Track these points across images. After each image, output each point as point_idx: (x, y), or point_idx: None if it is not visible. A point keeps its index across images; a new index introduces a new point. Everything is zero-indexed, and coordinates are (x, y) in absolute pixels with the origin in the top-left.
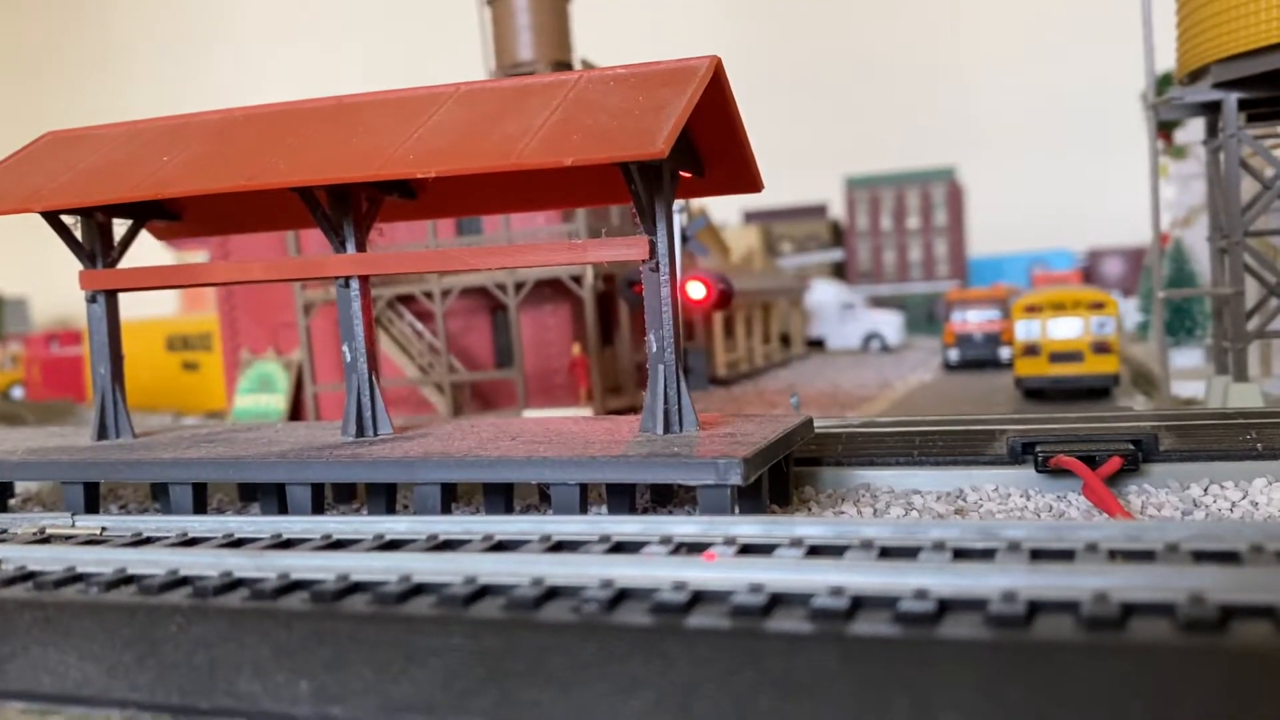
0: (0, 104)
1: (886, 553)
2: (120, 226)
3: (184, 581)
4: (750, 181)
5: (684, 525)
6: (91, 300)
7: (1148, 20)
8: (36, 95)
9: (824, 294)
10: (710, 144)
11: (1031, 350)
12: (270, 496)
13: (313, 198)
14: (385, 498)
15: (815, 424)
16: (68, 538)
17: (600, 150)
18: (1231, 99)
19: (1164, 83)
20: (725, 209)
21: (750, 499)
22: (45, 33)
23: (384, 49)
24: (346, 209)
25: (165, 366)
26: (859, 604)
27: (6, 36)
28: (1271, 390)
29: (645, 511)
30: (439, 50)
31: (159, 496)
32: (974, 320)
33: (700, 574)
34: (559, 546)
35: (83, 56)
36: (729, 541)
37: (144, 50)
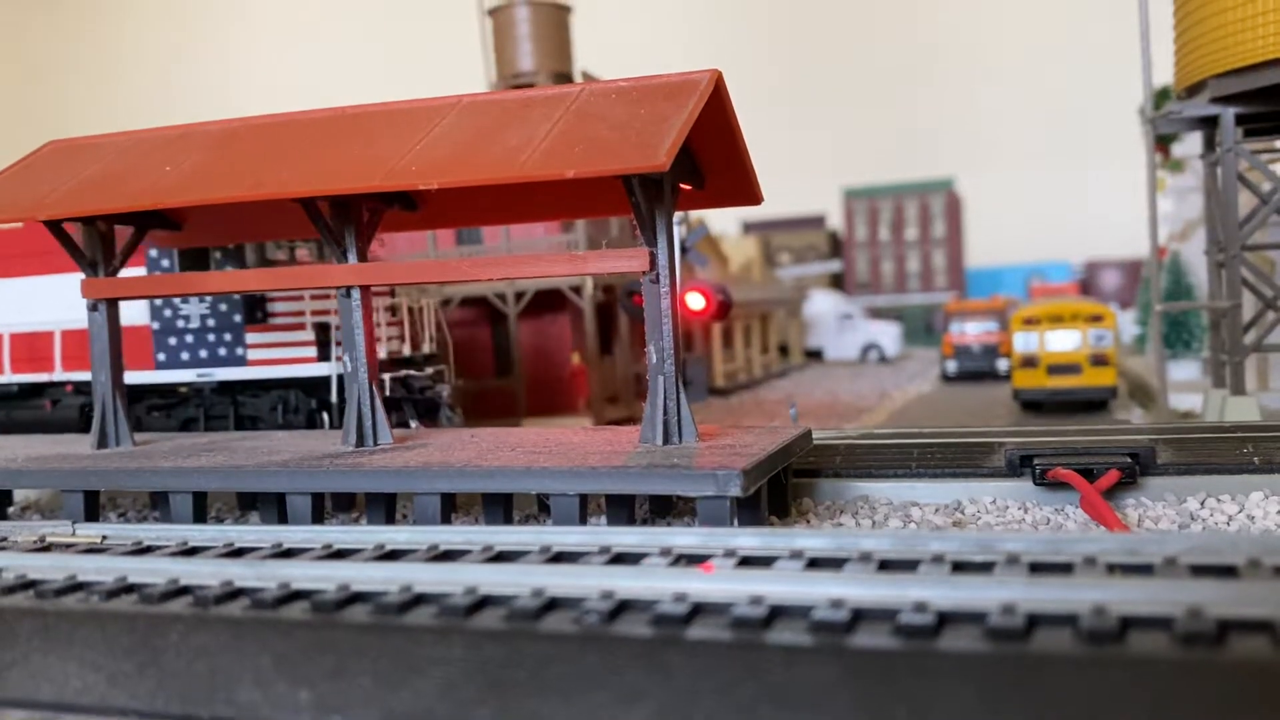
0: (3, 108)
1: (886, 565)
2: (123, 235)
3: (185, 590)
4: (750, 194)
5: (684, 537)
6: (93, 308)
7: (1145, 35)
8: (40, 101)
9: (822, 304)
10: (711, 156)
11: (1029, 362)
12: (270, 505)
13: (315, 208)
14: (385, 507)
15: (814, 435)
16: (68, 546)
17: (602, 163)
18: (1229, 113)
19: (1162, 96)
20: (724, 219)
21: (749, 510)
22: (49, 38)
23: (385, 59)
24: (348, 219)
25: None
26: (859, 616)
27: (10, 41)
28: (1268, 404)
29: (645, 522)
30: (441, 60)
31: (158, 505)
32: (972, 332)
33: (701, 585)
34: (559, 557)
35: (86, 62)
36: (729, 553)
37: (147, 59)
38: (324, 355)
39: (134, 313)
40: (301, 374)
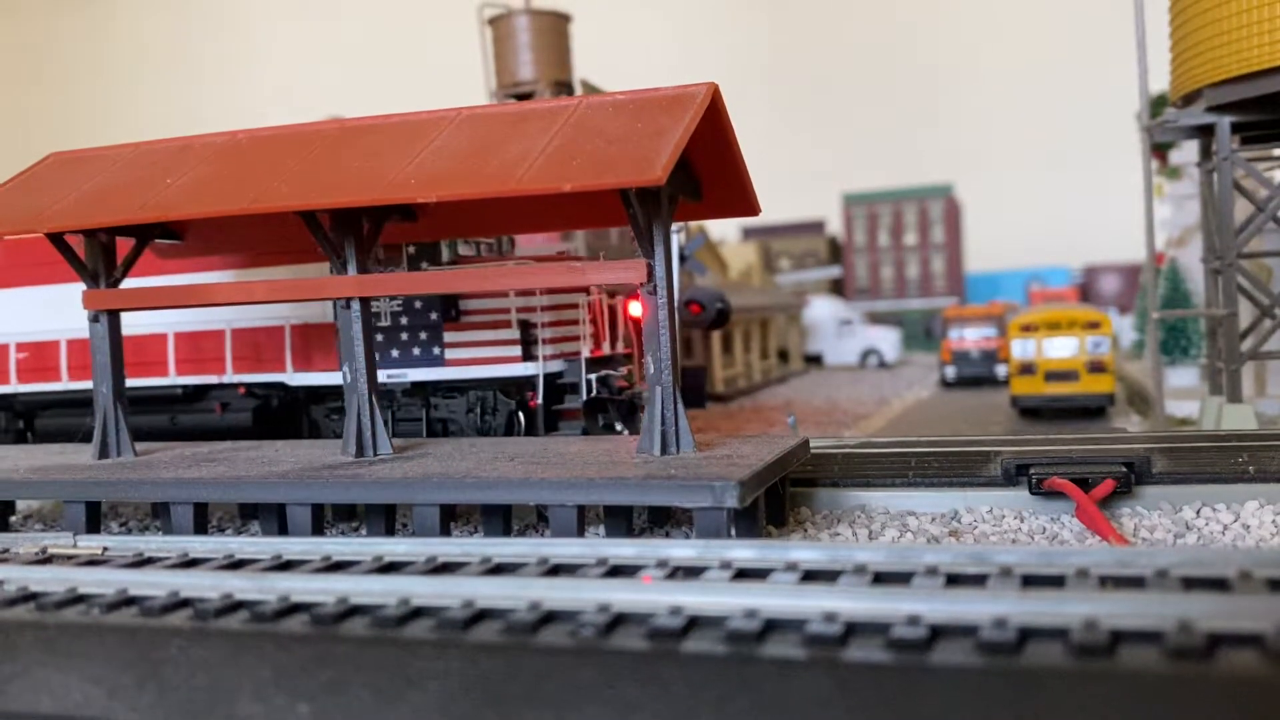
0: (8, 116)
1: (880, 577)
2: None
3: (185, 603)
4: (747, 205)
5: (680, 549)
6: (94, 320)
7: (1142, 43)
8: (39, 109)
9: (822, 310)
10: (708, 168)
11: (1027, 369)
12: (270, 515)
13: (315, 220)
14: (384, 518)
15: (812, 444)
16: (69, 557)
17: (599, 176)
18: (1224, 122)
19: (1159, 104)
20: (724, 225)
21: (747, 520)
22: (49, 45)
23: (386, 69)
24: (348, 231)
25: None
26: (852, 630)
27: (13, 47)
28: (1265, 411)
29: (643, 532)
30: (441, 70)
31: (160, 515)
32: (971, 337)
33: (696, 599)
34: (556, 570)
35: (85, 72)
36: (725, 565)
37: (147, 67)
38: (527, 355)
39: (315, 310)
40: (505, 374)
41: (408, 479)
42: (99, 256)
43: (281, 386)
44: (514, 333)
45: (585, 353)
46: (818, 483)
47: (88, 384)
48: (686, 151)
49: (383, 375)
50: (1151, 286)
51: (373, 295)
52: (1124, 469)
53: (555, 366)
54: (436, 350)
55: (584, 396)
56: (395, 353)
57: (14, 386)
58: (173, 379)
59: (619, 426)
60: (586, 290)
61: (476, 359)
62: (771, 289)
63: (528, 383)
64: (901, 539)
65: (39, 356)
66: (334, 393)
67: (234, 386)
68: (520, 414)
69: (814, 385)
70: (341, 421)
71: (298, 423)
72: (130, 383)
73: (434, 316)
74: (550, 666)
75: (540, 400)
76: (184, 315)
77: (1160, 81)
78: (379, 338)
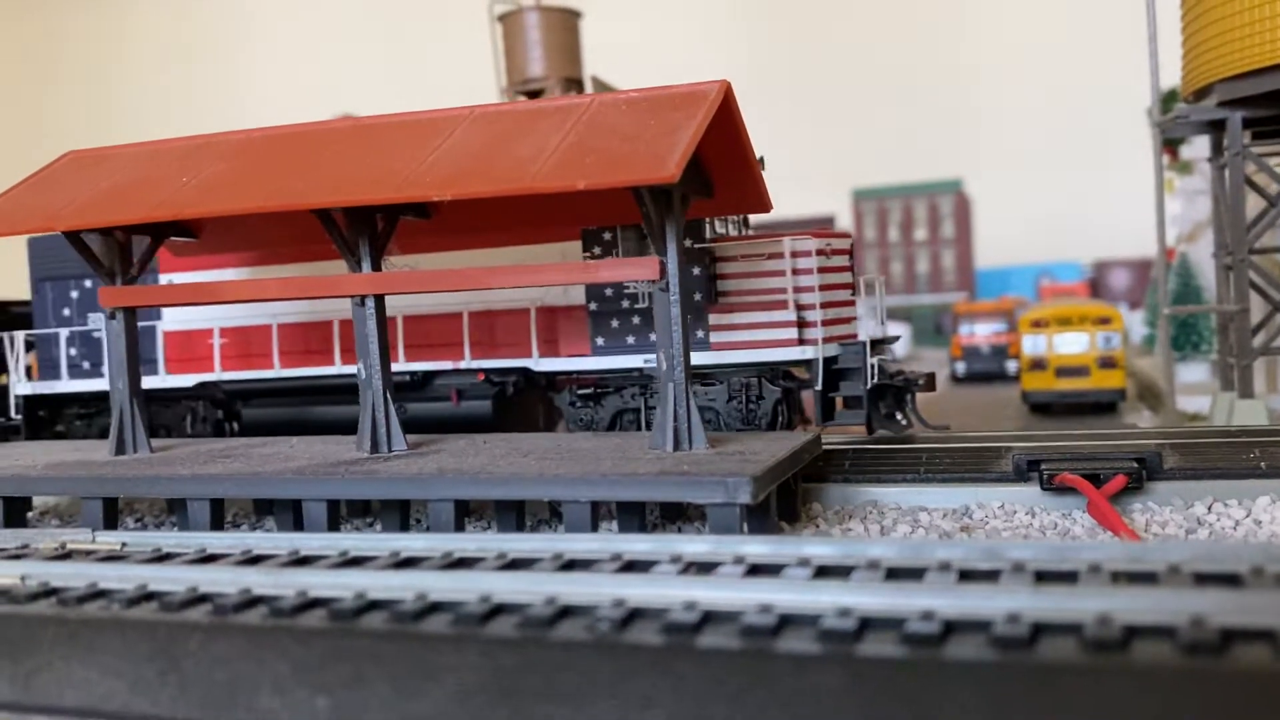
0: (14, 114)
1: (893, 573)
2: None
3: (204, 598)
4: (759, 202)
5: (693, 544)
6: (111, 317)
7: (1153, 38)
8: (45, 109)
9: None
10: (720, 166)
11: (1038, 365)
12: (286, 511)
13: (330, 218)
14: (399, 513)
15: (823, 441)
16: (88, 553)
17: (612, 174)
18: (1236, 117)
19: (1170, 99)
20: None
21: (759, 516)
22: (55, 44)
23: (396, 66)
24: (363, 229)
25: None
26: (866, 625)
27: (22, 46)
28: (1277, 406)
29: (655, 527)
30: (452, 67)
31: (175, 511)
32: (981, 333)
33: (710, 594)
34: (571, 564)
35: (92, 69)
36: (738, 560)
37: (159, 65)
38: (802, 338)
39: (555, 294)
40: (778, 358)
41: (422, 475)
42: (115, 254)
43: (524, 372)
44: (789, 314)
45: (865, 335)
46: (829, 479)
47: (303, 371)
48: (699, 149)
49: (639, 360)
50: (1162, 282)
51: (387, 293)
52: (1135, 464)
53: (831, 350)
54: (700, 333)
55: (868, 383)
56: (654, 336)
57: (216, 374)
58: (402, 365)
59: (899, 416)
60: (852, 269)
61: (745, 342)
62: None
63: (795, 368)
64: (913, 535)
65: (245, 342)
66: (575, 379)
67: (471, 372)
68: (786, 404)
69: None
70: (587, 409)
71: (531, 411)
72: (354, 370)
73: (697, 297)
74: (566, 661)
75: (819, 386)
76: (413, 299)
77: (1171, 76)
78: (635, 320)
